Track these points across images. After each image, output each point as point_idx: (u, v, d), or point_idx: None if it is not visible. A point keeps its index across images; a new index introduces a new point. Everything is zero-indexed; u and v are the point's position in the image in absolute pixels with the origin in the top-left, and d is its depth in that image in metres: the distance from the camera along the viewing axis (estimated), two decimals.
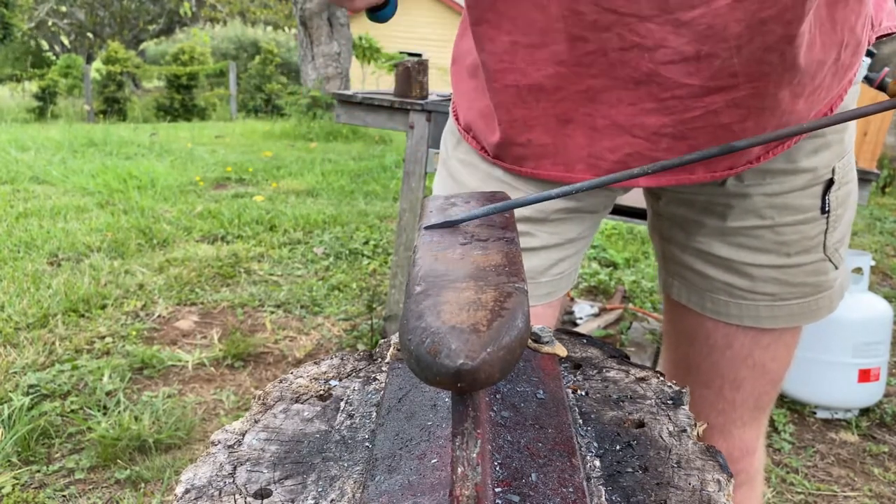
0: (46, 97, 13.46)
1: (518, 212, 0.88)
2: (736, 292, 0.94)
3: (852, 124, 0.92)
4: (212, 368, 2.63)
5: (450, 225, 0.55)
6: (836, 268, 0.94)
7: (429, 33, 17.50)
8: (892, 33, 0.88)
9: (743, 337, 0.96)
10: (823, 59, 0.76)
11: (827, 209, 0.89)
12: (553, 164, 0.84)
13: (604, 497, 0.48)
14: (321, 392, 0.62)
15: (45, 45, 22.77)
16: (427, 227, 0.55)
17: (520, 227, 0.89)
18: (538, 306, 0.93)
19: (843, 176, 0.90)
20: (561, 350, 0.68)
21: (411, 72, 2.75)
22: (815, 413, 2.47)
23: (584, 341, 0.73)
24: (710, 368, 1.00)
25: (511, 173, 0.90)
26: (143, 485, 1.94)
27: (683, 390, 0.62)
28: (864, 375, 2.39)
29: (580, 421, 0.58)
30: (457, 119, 0.96)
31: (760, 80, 0.72)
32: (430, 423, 0.54)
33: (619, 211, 2.24)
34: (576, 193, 0.65)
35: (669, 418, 0.58)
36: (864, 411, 2.49)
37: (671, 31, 0.69)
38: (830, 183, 0.89)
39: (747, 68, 0.71)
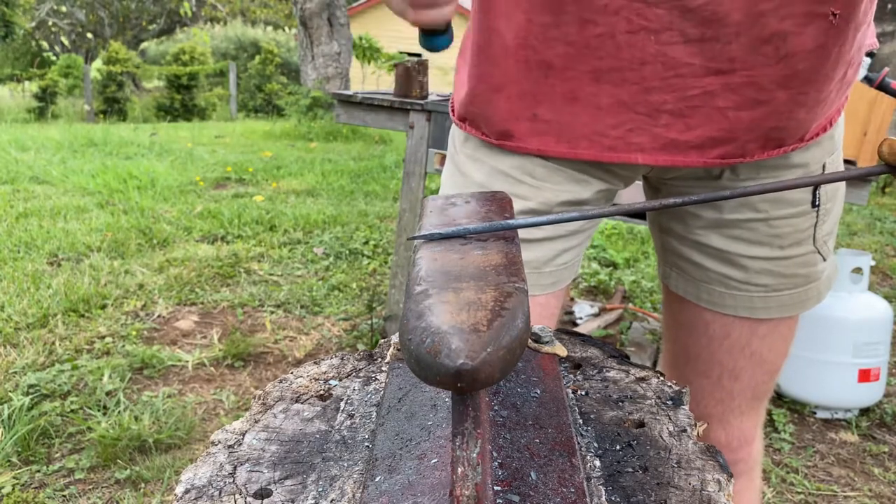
0: (46, 97, 13.44)
1: (523, 204, 0.90)
2: (731, 283, 0.97)
3: (842, 120, 0.95)
4: (212, 368, 2.63)
5: (450, 237, 0.54)
6: (825, 259, 0.98)
7: None
8: (872, 51, 0.94)
9: (740, 327, 0.99)
10: (832, 74, 0.80)
11: (817, 203, 0.92)
12: (557, 142, 0.88)
13: (604, 497, 0.48)
14: (321, 392, 0.62)
15: (45, 45, 22.76)
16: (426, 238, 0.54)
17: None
18: (543, 295, 0.96)
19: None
20: (561, 350, 0.68)
21: (411, 72, 2.75)
22: (815, 413, 2.47)
23: (584, 341, 0.73)
24: (709, 358, 1.03)
25: (518, 154, 0.91)
26: (143, 485, 1.94)
27: (683, 390, 0.62)
28: (864, 375, 2.38)
29: (580, 421, 0.58)
30: (453, 112, 0.99)
31: (755, 69, 0.77)
32: (430, 423, 0.54)
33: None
34: (582, 217, 0.66)
35: (669, 418, 0.58)
36: (864, 411, 2.48)
37: (678, 16, 0.75)
38: None
39: (744, 55, 0.76)
